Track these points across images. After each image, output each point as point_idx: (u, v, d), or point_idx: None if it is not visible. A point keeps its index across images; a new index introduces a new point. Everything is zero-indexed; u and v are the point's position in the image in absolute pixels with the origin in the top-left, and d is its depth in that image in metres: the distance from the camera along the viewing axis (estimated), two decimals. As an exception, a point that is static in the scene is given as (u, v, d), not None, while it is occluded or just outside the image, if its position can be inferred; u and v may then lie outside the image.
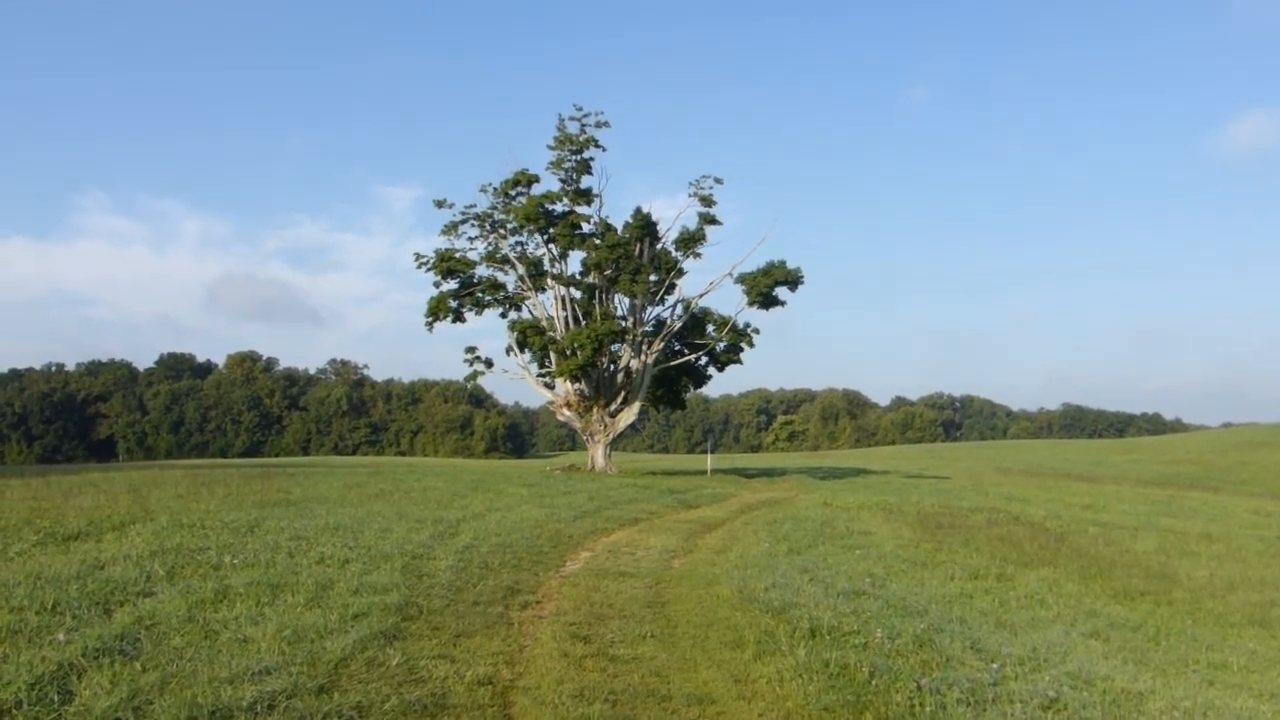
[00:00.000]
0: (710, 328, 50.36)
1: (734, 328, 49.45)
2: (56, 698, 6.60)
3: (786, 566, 15.53)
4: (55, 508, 18.13)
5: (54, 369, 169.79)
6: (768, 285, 47.44)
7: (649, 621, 11.05)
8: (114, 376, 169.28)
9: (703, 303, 50.23)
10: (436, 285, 48.25)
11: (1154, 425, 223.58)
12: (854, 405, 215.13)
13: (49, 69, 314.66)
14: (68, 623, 8.61)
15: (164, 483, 26.96)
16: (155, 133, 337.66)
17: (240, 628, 8.93)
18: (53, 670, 7.08)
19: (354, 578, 11.85)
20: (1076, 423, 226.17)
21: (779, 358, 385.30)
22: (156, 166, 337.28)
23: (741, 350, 50.82)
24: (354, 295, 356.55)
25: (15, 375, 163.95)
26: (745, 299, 48.12)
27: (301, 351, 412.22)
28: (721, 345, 50.01)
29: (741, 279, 48.10)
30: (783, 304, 48.44)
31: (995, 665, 9.04)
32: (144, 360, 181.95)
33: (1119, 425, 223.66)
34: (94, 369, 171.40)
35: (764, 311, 48.60)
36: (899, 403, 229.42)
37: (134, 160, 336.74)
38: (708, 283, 50.18)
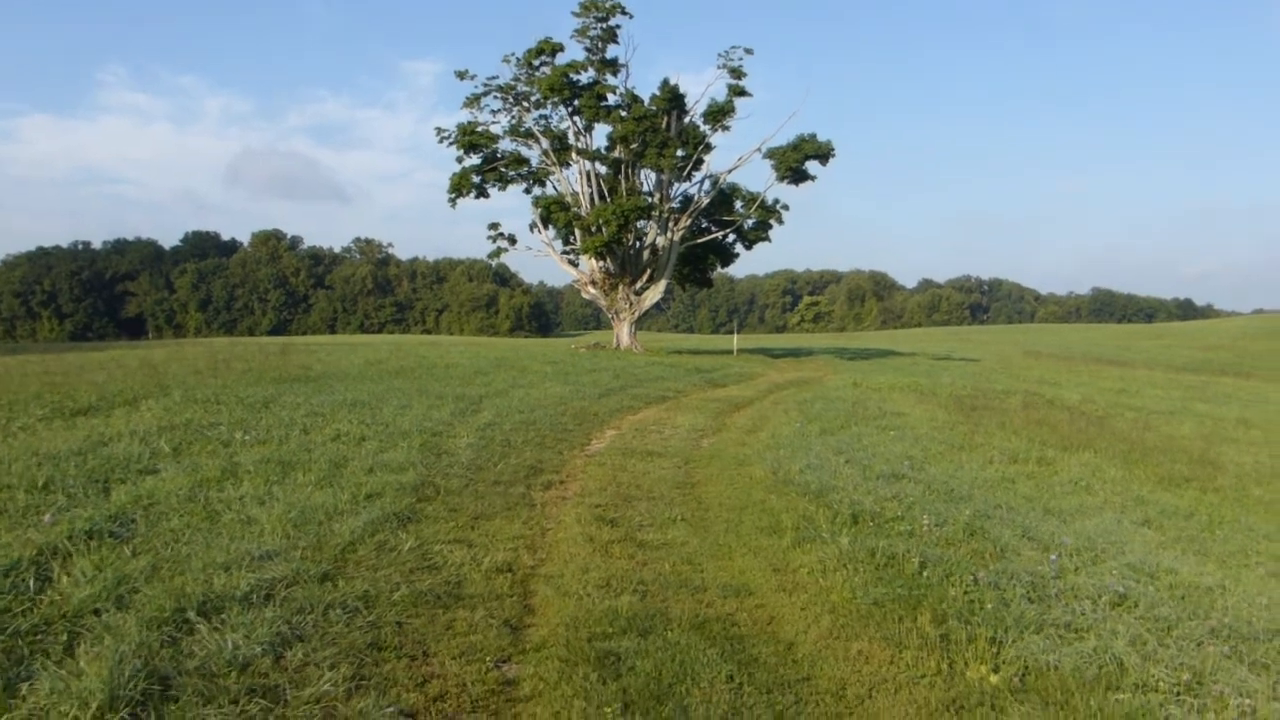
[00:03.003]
0: (739, 204, 49.08)
1: (763, 204, 48.17)
2: (32, 584, 5.98)
3: (820, 447, 14.89)
4: (68, 382, 17.70)
5: (80, 247, 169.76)
6: (798, 159, 45.94)
7: (679, 504, 10.45)
8: (140, 255, 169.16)
9: (731, 179, 48.92)
10: (459, 160, 47.08)
11: (1185, 311, 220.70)
12: (880, 287, 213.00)
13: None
14: (60, 502, 8.04)
15: (184, 358, 26.59)
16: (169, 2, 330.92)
17: (245, 508, 8.36)
18: (33, 555, 6.46)
19: (369, 456, 11.30)
20: (1106, 307, 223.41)
21: (806, 238, 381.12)
22: (173, 38, 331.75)
23: (770, 227, 49.60)
24: (379, 172, 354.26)
25: (43, 253, 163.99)
26: (775, 174, 46.69)
27: (326, 229, 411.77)
28: (750, 222, 48.81)
29: (771, 153, 46.57)
30: (813, 178, 47.07)
31: (1054, 556, 8.37)
32: (169, 238, 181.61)
33: (1149, 311, 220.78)
34: (120, 247, 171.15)
35: (794, 187, 47.40)
36: (926, 285, 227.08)
37: (151, 32, 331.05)
38: (736, 158, 48.95)
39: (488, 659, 5.69)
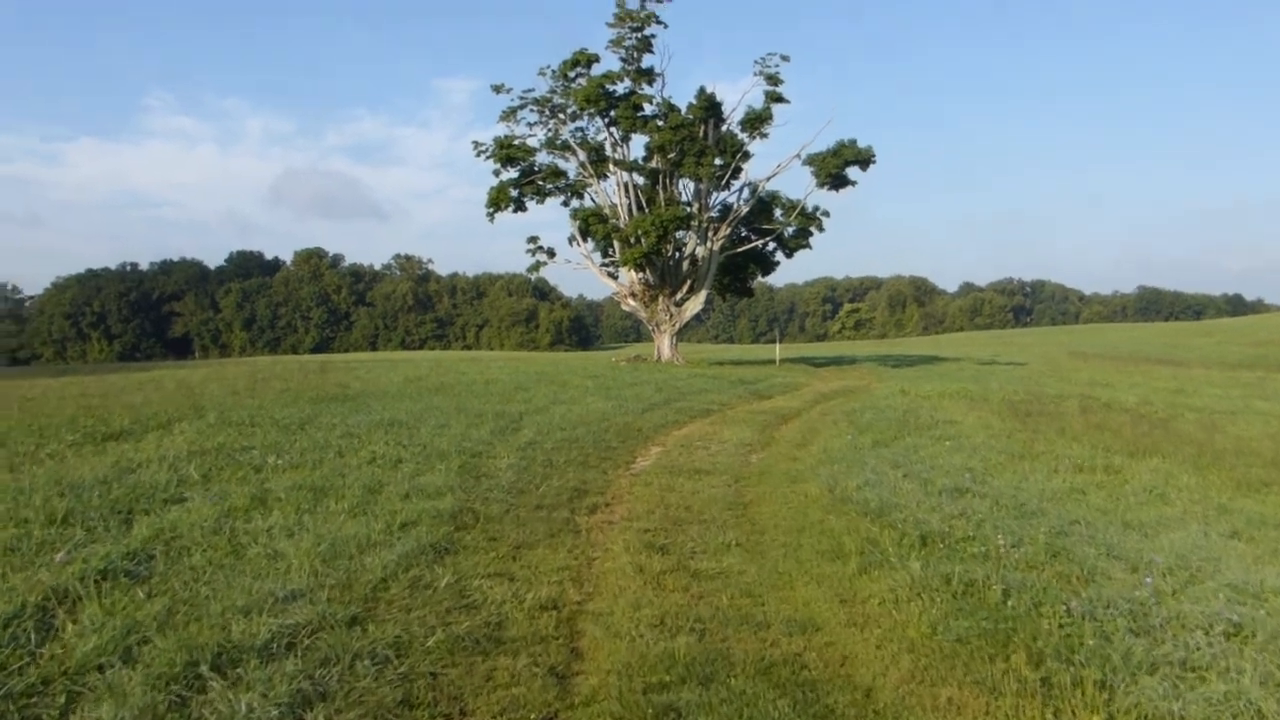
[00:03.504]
0: (778, 212, 48.38)
1: (803, 211, 47.42)
2: (34, 636, 5.45)
3: (875, 461, 14.17)
4: (104, 405, 17.41)
5: (128, 269, 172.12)
6: (838, 165, 45.24)
7: (732, 527, 9.81)
8: (186, 275, 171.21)
9: (770, 186, 48.24)
10: (496, 174, 46.83)
11: (1235, 307, 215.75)
12: (921, 292, 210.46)
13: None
14: (77, 537, 7.55)
15: (223, 378, 26.38)
16: (214, 27, 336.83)
17: (272, 541, 7.84)
18: (39, 600, 5.94)
19: (405, 480, 10.77)
20: (1152, 305, 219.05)
21: (845, 244, 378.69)
22: (217, 63, 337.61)
23: (811, 234, 48.88)
24: (416, 190, 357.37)
25: (92, 275, 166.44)
26: (814, 180, 46.10)
27: (365, 247, 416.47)
28: (790, 230, 48.08)
29: (810, 160, 45.92)
30: (853, 184, 46.34)
31: (1147, 578, 7.62)
32: (214, 259, 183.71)
33: (1197, 308, 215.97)
34: (167, 268, 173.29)
35: (834, 193, 46.68)
36: (967, 289, 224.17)
37: (196, 57, 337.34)
38: (775, 165, 48.12)
39: (532, 716, 5.07)
